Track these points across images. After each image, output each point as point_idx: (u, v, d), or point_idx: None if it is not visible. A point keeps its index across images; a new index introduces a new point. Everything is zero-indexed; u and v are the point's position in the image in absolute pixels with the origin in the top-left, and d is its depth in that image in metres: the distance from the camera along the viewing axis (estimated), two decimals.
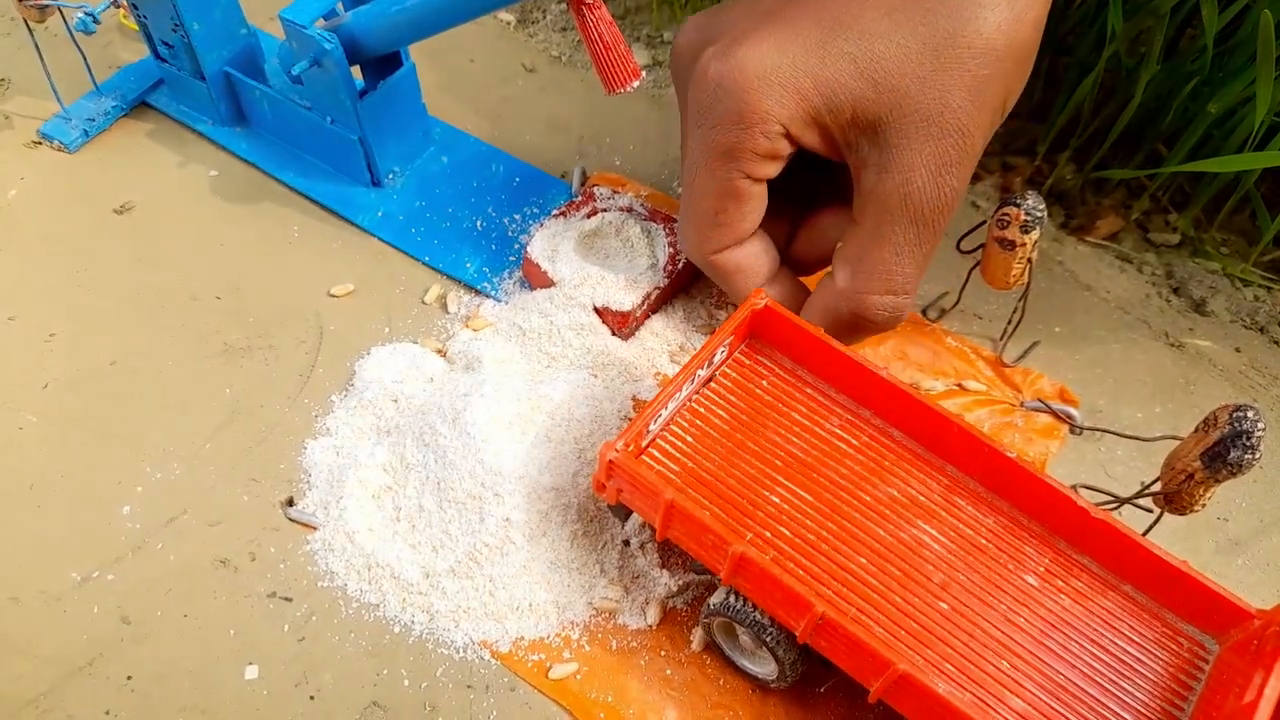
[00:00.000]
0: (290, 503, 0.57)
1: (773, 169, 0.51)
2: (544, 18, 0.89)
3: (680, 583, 0.54)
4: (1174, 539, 0.57)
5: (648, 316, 0.65)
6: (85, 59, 0.74)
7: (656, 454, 0.52)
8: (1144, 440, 0.58)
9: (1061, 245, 0.72)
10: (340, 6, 0.65)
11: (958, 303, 0.66)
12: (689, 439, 0.53)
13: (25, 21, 0.69)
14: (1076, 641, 0.48)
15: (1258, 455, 0.46)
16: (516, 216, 0.71)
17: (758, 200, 0.53)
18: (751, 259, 0.56)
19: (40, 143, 0.75)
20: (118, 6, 0.71)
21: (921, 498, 0.52)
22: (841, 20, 0.48)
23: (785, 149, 0.50)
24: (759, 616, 0.48)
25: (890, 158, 0.49)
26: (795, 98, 0.48)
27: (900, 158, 0.48)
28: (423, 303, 0.67)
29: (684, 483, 0.51)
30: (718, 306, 0.66)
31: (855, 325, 0.55)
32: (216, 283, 0.67)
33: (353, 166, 0.71)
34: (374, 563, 0.54)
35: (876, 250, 0.51)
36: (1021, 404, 0.63)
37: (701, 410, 0.54)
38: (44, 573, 0.54)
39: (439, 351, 0.64)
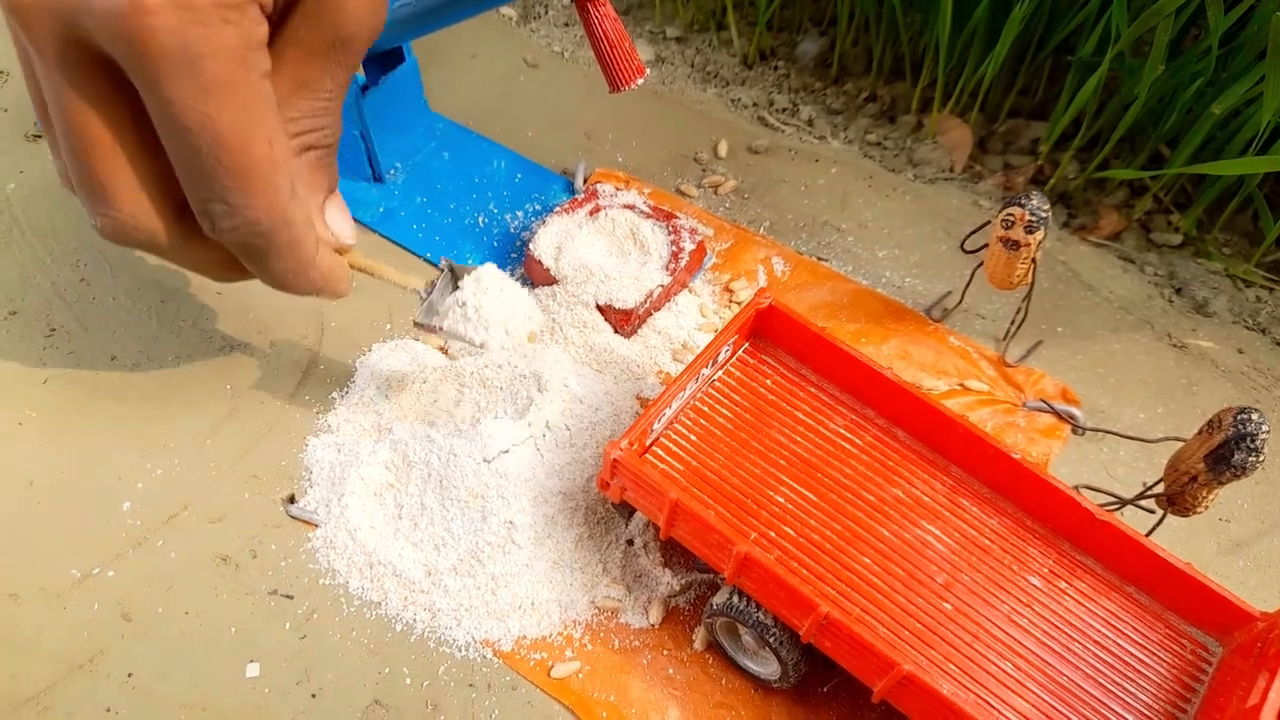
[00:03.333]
0: (291, 500, 0.57)
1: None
2: (546, 13, 0.88)
3: (683, 582, 0.54)
4: (1176, 540, 0.57)
5: (650, 314, 0.64)
6: None
7: (661, 453, 0.52)
8: (1146, 441, 0.58)
9: (1064, 245, 0.72)
10: None
11: (960, 302, 0.66)
12: (693, 438, 0.53)
13: None
14: (1080, 643, 0.48)
15: (1261, 458, 0.46)
16: (519, 213, 0.71)
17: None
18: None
19: (40, 136, 0.75)
20: None
21: (925, 498, 0.52)
22: None
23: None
24: (762, 617, 0.48)
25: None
26: None
27: None
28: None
29: (688, 482, 0.51)
30: (724, 305, 0.66)
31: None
32: None
33: (354, 162, 0.71)
34: (375, 560, 0.54)
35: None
36: (1024, 404, 0.63)
37: (705, 409, 0.54)
38: (44, 569, 0.54)
39: (440, 348, 0.64)
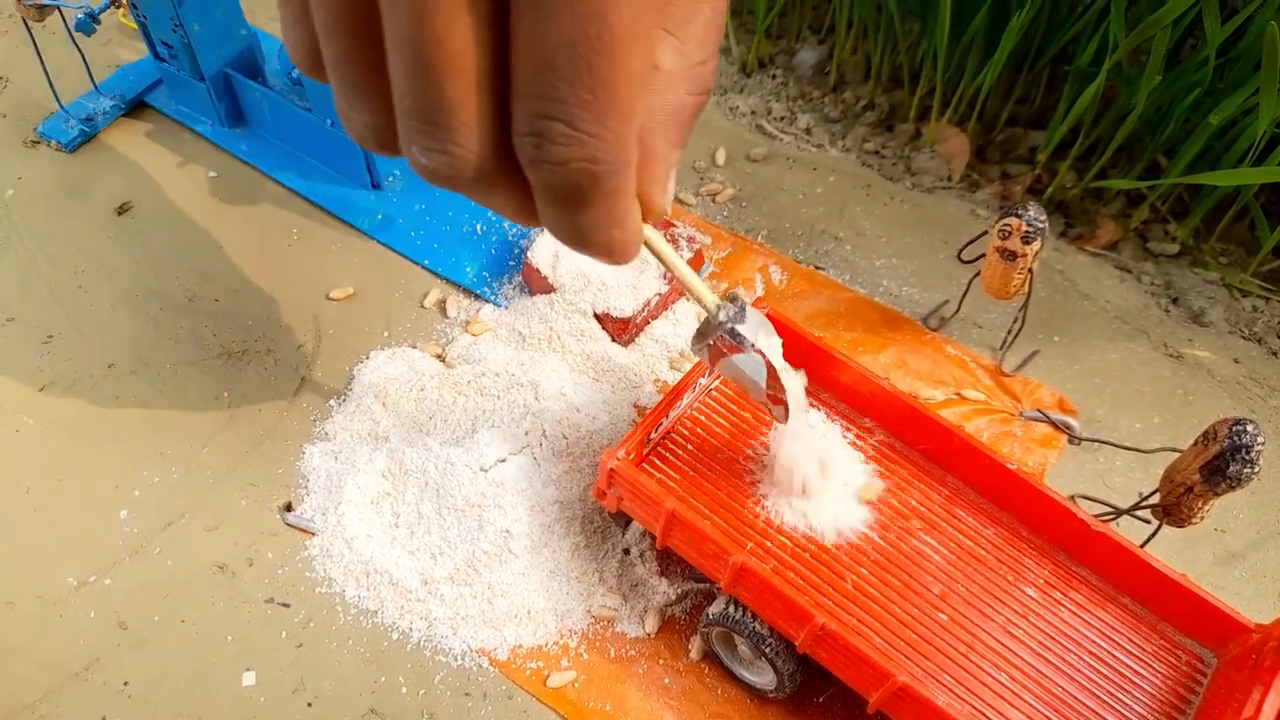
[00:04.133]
0: (288, 508, 0.57)
1: None
2: None
3: (679, 591, 0.54)
4: (1172, 550, 0.57)
5: (648, 323, 0.65)
6: (84, 58, 0.73)
7: (657, 462, 0.52)
8: (1142, 452, 0.58)
9: (1061, 254, 0.72)
10: None
11: (958, 311, 0.66)
12: (690, 447, 0.53)
13: (24, 21, 0.69)
14: (1075, 654, 0.48)
15: (1257, 469, 0.46)
16: None
17: None
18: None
19: (38, 142, 0.75)
20: (117, 6, 0.70)
21: (922, 508, 0.52)
22: None
23: None
24: (758, 627, 0.48)
25: None
26: None
27: None
28: (422, 307, 0.67)
29: (685, 491, 0.51)
30: None
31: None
32: (215, 285, 0.67)
33: (353, 169, 0.71)
34: (372, 569, 0.54)
35: None
36: (1020, 413, 0.63)
37: (702, 419, 0.54)
38: (40, 577, 0.54)
39: (438, 356, 0.64)
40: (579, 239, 0.37)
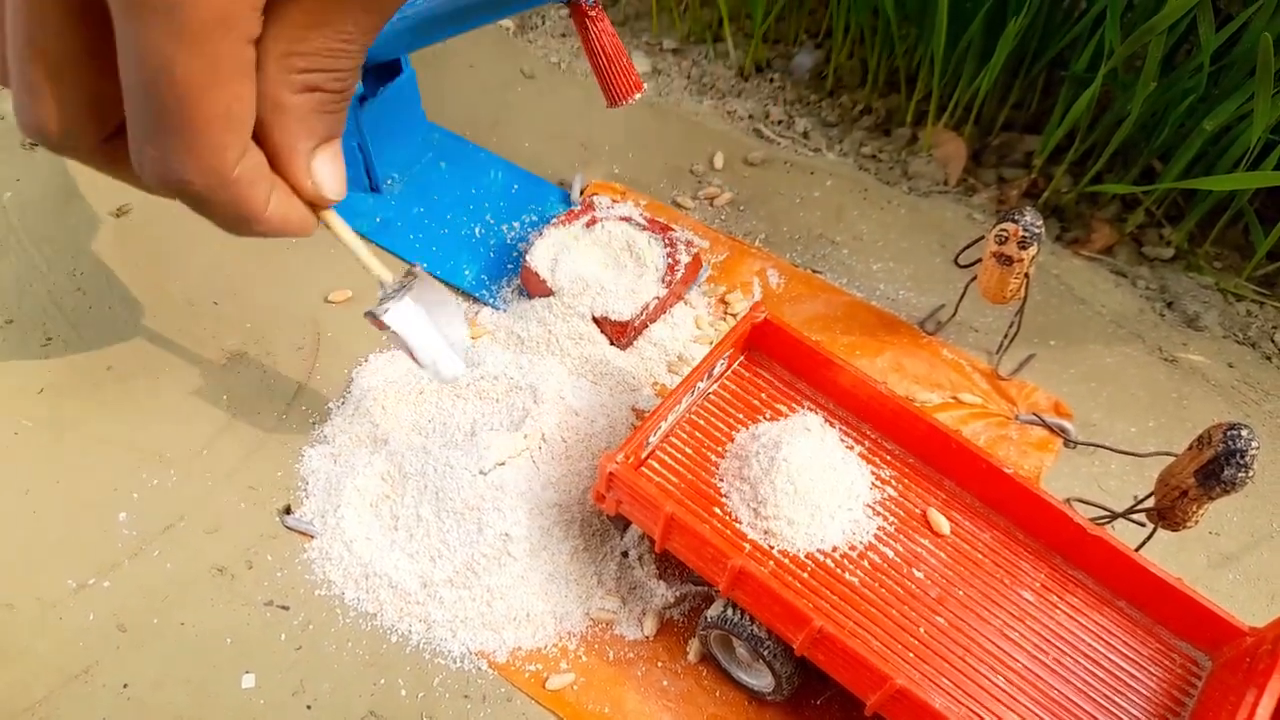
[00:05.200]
0: (288, 510, 0.57)
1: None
2: (543, 24, 0.89)
3: (677, 594, 0.54)
4: (1166, 553, 0.57)
5: (646, 326, 0.65)
6: None
7: (656, 465, 0.52)
8: (1138, 456, 0.58)
9: (1057, 258, 0.73)
10: None
11: (954, 315, 0.66)
12: (689, 451, 0.53)
13: None
14: (1071, 657, 0.48)
15: (1251, 473, 0.46)
16: (515, 224, 0.71)
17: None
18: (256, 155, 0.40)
19: (36, 145, 0.75)
20: None
21: (918, 511, 0.52)
22: None
23: None
24: (756, 630, 0.48)
25: None
26: None
27: None
28: None
29: (683, 495, 0.51)
30: (719, 318, 0.67)
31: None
32: (213, 288, 0.67)
33: (352, 172, 0.71)
34: (371, 572, 0.54)
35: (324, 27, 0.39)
36: (1016, 417, 0.63)
37: (701, 422, 0.54)
38: (39, 579, 0.54)
39: None
40: (230, 230, 0.42)
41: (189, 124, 0.36)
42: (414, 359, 0.48)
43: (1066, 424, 0.62)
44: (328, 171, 0.43)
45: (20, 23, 0.37)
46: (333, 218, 0.46)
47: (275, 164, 0.41)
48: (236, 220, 0.41)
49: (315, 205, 0.44)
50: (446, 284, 0.68)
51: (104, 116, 0.40)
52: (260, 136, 0.40)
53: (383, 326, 0.48)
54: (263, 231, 0.42)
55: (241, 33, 0.35)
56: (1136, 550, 0.49)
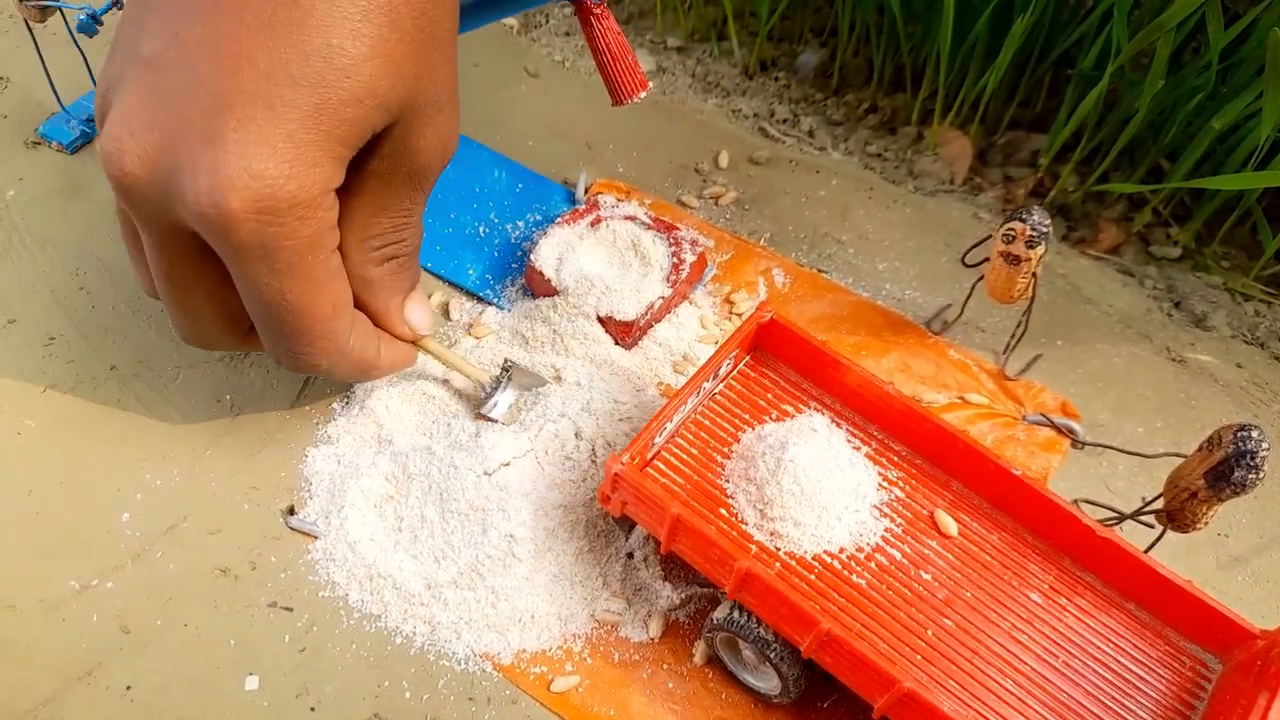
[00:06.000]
0: (291, 511, 0.57)
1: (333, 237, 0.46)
2: (547, 22, 0.88)
3: (683, 595, 0.54)
4: (1175, 555, 0.57)
5: (651, 326, 0.64)
6: (85, 58, 0.73)
7: (662, 466, 0.52)
8: (1146, 456, 0.58)
9: (1064, 258, 0.72)
10: None
11: (960, 315, 0.66)
12: (694, 451, 0.53)
13: (25, 21, 0.69)
14: (1080, 659, 0.48)
15: (1262, 475, 0.46)
16: (519, 223, 0.71)
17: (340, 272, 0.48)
18: (364, 325, 0.52)
19: (39, 143, 0.74)
20: (119, 7, 0.70)
21: (925, 512, 0.52)
22: (309, 54, 0.40)
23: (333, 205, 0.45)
24: (763, 632, 0.48)
25: (405, 143, 0.46)
26: (329, 166, 0.42)
27: (413, 139, 0.47)
28: None
29: (689, 496, 0.51)
30: (724, 318, 0.67)
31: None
32: None
33: None
34: (375, 573, 0.54)
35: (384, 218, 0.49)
36: (1024, 418, 0.63)
37: (707, 423, 0.54)
38: (42, 580, 0.54)
39: None
40: (353, 381, 0.60)
41: (307, 330, 0.46)
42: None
43: (1074, 424, 0.62)
44: (418, 315, 0.54)
45: (159, 260, 0.46)
46: (429, 344, 0.56)
47: (376, 322, 0.52)
48: (359, 375, 0.53)
49: (414, 341, 0.55)
50: (450, 283, 0.68)
51: (236, 323, 0.50)
52: (359, 303, 0.50)
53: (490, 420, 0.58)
54: (379, 374, 0.54)
55: (327, 250, 0.45)
56: (1145, 552, 0.49)
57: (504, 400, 0.57)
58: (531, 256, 0.65)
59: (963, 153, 0.78)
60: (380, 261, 0.49)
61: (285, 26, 0.40)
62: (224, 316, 0.49)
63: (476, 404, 0.58)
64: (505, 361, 0.58)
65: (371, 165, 0.46)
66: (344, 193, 0.45)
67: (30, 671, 0.51)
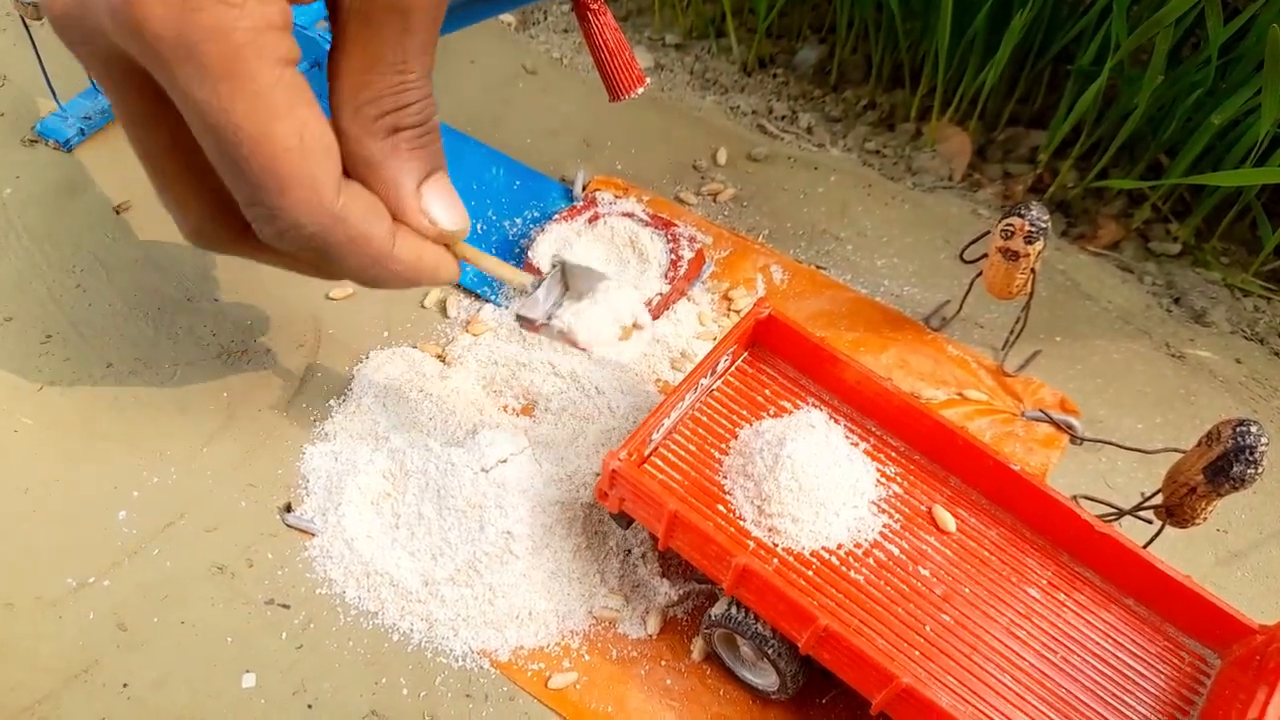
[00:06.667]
0: (288, 508, 0.57)
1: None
2: (545, 19, 0.88)
3: (681, 592, 0.54)
4: (1174, 550, 0.57)
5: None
6: None
7: (659, 463, 0.52)
8: (1145, 452, 0.58)
9: (1063, 254, 0.72)
10: None
11: (959, 311, 0.66)
12: (692, 448, 0.53)
13: (22, 18, 0.69)
14: (1079, 655, 0.48)
15: (1260, 470, 0.46)
16: (517, 220, 0.71)
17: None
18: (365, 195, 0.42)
19: (36, 141, 0.74)
20: None
21: (923, 508, 0.52)
22: None
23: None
24: (761, 628, 0.47)
25: None
26: None
27: None
28: (422, 306, 0.66)
29: (687, 492, 0.51)
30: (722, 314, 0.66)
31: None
32: (214, 284, 0.67)
33: None
34: (372, 570, 0.53)
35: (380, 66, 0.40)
36: (1022, 414, 0.63)
37: (704, 419, 0.54)
38: (39, 578, 0.54)
39: (439, 356, 0.64)
40: (372, 285, 0.43)
41: (269, 166, 0.37)
42: (577, 345, 0.48)
43: (1073, 420, 0.62)
44: (439, 204, 0.44)
45: (117, 110, 0.39)
46: (466, 250, 0.45)
47: (393, 214, 0.42)
48: (369, 262, 0.41)
49: (444, 243, 0.44)
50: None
51: (227, 210, 0.41)
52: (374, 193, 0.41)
53: (537, 329, 0.48)
54: (402, 274, 0.43)
55: (273, 58, 0.36)
56: (1144, 547, 0.49)
57: (549, 302, 0.48)
58: (529, 253, 0.65)
59: (961, 149, 0.78)
60: (382, 134, 0.41)
61: None
62: (210, 199, 0.41)
63: (523, 309, 0.49)
64: (555, 258, 0.50)
65: (346, 2, 0.38)
66: (332, 52, 0.40)
67: (27, 669, 0.51)
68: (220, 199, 0.41)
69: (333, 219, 0.39)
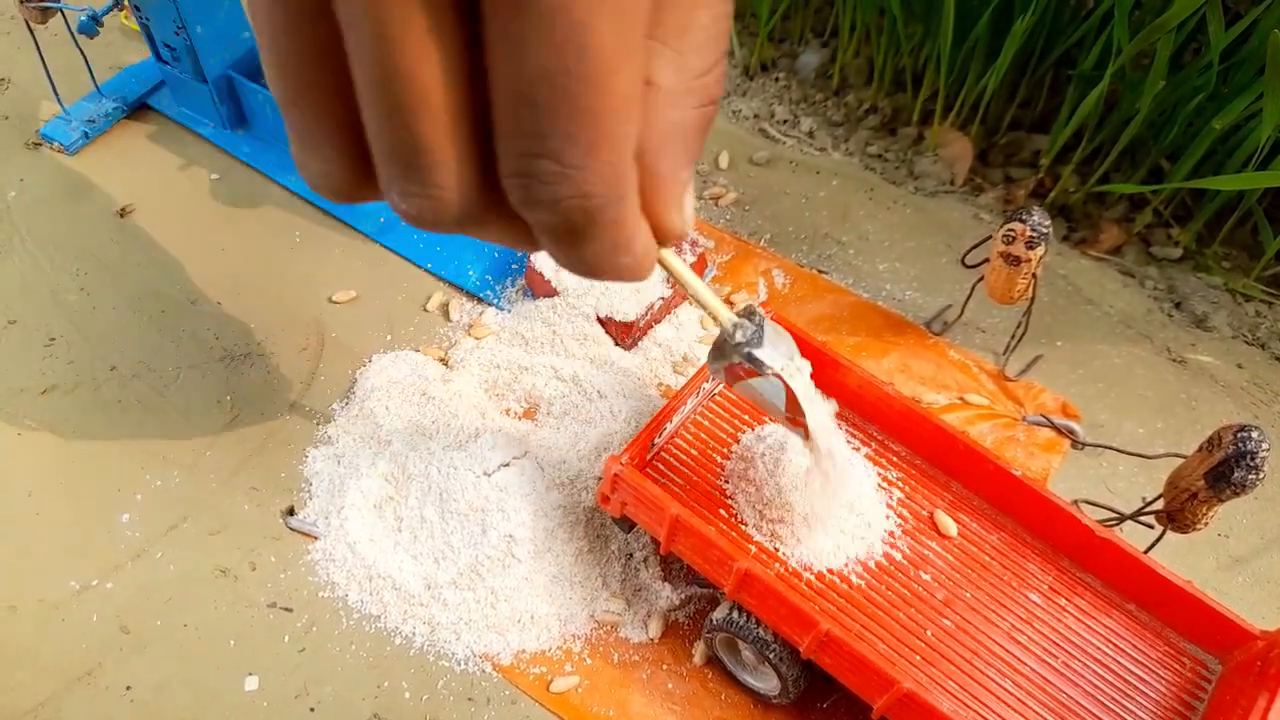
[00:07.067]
0: (291, 512, 0.57)
1: None
2: None
3: (682, 596, 0.54)
4: (1175, 556, 0.57)
5: (651, 327, 0.64)
6: (86, 60, 0.73)
7: (661, 467, 0.52)
8: (1146, 457, 0.58)
9: (1065, 259, 0.72)
10: None
11: (960, 316, 0.66)
12: (694, 452, 0.53)
13: (26, 22, 0.69)
14: (1080, 660, 0.48)
15: (1262, 475, 0.46)
16: None
17: None
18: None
19: (40, 144, 0.75)
20: (120, 8, 0.70)
21: (925, 513, 0.52)
22: None
23: None
24: (762, 633, 0.48)
25: None
26: None
27: None
28: (425, 310, 0.67)
29: (688, 497, 0.51)
30: None
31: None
32: (217, 287, 0.67)
33: None
34: (375, 573, 0.54)
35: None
36: (1024, 418, 0.63)
37: (706, 424, 0.54)
38: (43, 581, 0.54)
39: (441, 360, 0.64)
40: (585, 270, 0.33)
41: (597, 110, 0.28)
42: (789, 419, 0.41)
43: (1074, 425, 0.62)
44: (690, 204, 0.36)
45: (397, 68, 0.27)
46: (671, 256, 0.38)
47: (648, 196, 0.34)
48: (612, 251, 0.33)
49: (670, 243, 0.35)
50: (451, 284, 0.68)
51: (483, 158, 0.31)
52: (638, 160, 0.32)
53: (744, 377, 0.40)
54: (627, 268, 0.32)
55: None
56: (1145, 553, 0.49)
57: (776, 352, 0.40)
58: (531, 257, 0.65)
59: (963, 153, 0.78)
60: (702, 101, 0.33)
61: None
62: (471, 147, 0.30)
63: (726, 338, 0.39)
64: (748, 307, 0.41)
65: None
66: None
67: (30, 671, 0.51)
68: (477, 160, 0.31)
69: (619, 195, 0.31)
